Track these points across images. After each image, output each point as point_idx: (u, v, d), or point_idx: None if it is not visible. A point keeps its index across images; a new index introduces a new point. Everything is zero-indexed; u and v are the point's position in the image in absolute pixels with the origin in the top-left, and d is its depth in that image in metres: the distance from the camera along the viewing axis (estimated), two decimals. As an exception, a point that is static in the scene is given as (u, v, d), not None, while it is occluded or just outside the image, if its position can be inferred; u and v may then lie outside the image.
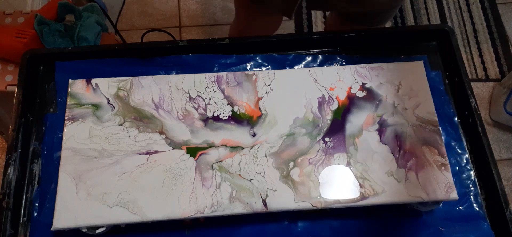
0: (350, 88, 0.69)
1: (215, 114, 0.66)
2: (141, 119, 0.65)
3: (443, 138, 0.67)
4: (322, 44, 0.77)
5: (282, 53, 0.76)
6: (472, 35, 1.70)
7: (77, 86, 0.67)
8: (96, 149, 0.63)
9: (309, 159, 0.63)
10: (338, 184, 0.62)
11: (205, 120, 0.66)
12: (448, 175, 0.62)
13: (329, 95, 0.68)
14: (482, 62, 1.65)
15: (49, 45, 1.01)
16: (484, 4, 1.76)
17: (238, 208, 0.59)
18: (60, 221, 0.58)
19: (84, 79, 0.68)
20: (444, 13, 1.74)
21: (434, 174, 0.62)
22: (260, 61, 0.75)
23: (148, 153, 0.63)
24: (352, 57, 0.76)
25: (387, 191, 0.61)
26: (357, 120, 0.66)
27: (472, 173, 0.67)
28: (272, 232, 0.63)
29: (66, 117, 0.65)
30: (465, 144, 0.70)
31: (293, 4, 0.79)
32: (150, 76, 0.69)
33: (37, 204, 0.63)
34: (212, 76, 0.69)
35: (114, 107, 0.66)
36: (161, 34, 1.55)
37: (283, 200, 0.60)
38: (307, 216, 0.64)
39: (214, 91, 0.68)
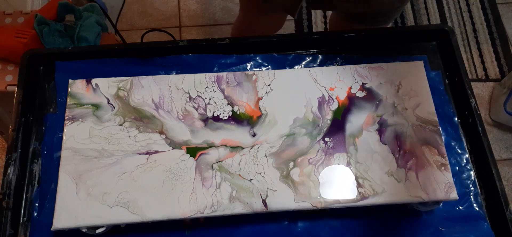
0: (350, 88, 0.69)
1: (215, 115, 0.66)
2: (141, 118, 0.65)
3: (443, 138, 0.67)
4: (322, 44, 0.77)
5: (282, 53, 0.76)
6: (472, 35, 1.70)
7: (77, 86, 0.67)
8: (96, 149, 0.63)
9: (309, 159, 0.63)
10: (338, 184, 0.62)
11: (205, 120, 0.66)
12: (448, 175, 0.62)
13: (329, 95, 0.68)
14: (482, 62, 1.65)
15: (49, 45, 1.02)
16: (484, 4, 1.76)
17: (238, 208, 0.59)
18: (60, 221, 0.58)
19: (84, 79, 0.68)
20: (444, 13, 1.74)
21: (434, 174, 0.62)
22: (260, 61, 0.75)
23: (148, 153, 0.63)
24: (352, 57, 0.76)
25: (387, 191, 0.61)
26: (357, 120, 0.66)
27: (472, 173, 0.67)
28: (272, 232, 0.63)
29: (66, 117, 0.65)
30: (465, 144, 0.70)
31: (298, 3, 0.79)
32: (150, 76, 0.69)
33: (37, 204, 0.63)
34: (212, 76, 0.69)
35: (114, 107, 0.66)
36: (161, 34, 1.55)
37: (283, 200, 0.60)
38: (307, 216, 0.64)
39: (214, 91, 0.68)
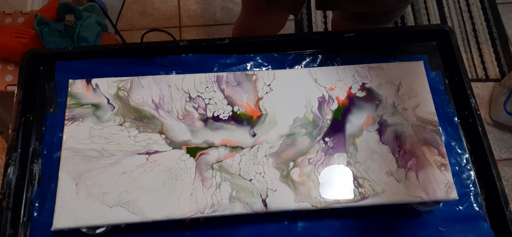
0: (350, 88, 0.69)
1: (215, 115, 0.66)
2: (141, 119, 0.65)
3: (443, 138, 0.67)
4: (322, 44, 0.77)
5: (282, 53, 0.76)
6: (472, 35, 1.70)
7: (77, 86, 0.67)
8: (96, 149, 0.63)
9: (309, 159, 0.63)
10: (338, 184, 0.62)
11: (205, 120, 0.66)
12: (448, 175, 0.62)
13: (329, 95, 0.68)
14: (482, 62, 1.64)
15: (49, 45, 1.02)
16: (484, 4, 1.76)
17: (238, 208, 0.59)
18: (60, 221, 0.58)
19: (84, 79, 0.68)
20: (444, 13, 1.74)
21: (434, 174, 0.62)
22: (260, 61, 0.75)
23: (148, 153, 0.63)
24: (352, 57, 0.76)
25: (387, 191, 0.61)
26: (357, 120, 0.66)
27: (472, 173, 0.67)
28: (272, 232, 0.63)
29: (66, 117, 0.65)
30: (465, 144, 0.70)
31: (301, 3, 0.79)
32: (150, 76, 0.69)
33: (37, 204, 0.63)
34: (212, 76, 0.69)
35: (114, 107, 0.66)
36: (161, 34, 1.55)
37: (283, 200, 0.60)
38: (307, 216, 0.64)
39: (214, 91, 0.68)
